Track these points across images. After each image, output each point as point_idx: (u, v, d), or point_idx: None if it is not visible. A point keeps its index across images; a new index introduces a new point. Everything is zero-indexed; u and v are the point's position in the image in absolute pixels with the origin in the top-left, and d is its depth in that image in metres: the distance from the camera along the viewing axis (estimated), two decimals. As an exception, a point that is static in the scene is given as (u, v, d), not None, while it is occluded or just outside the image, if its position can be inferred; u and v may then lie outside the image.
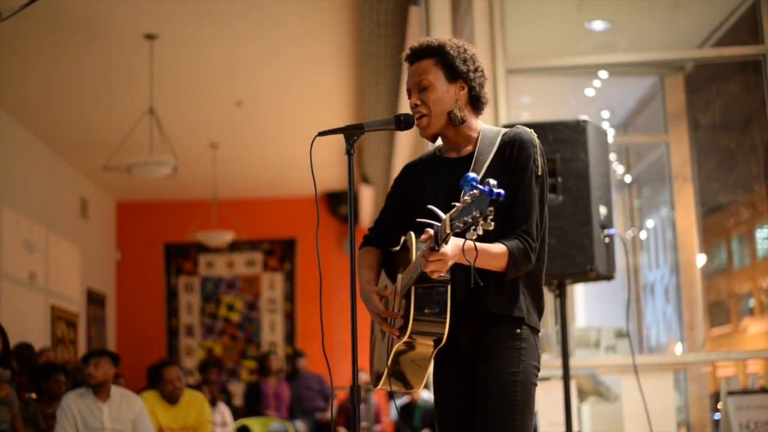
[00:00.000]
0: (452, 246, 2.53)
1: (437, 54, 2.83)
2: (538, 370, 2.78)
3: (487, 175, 2.73)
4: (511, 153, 2.74)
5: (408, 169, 2.98)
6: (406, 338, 2.70)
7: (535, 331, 2.78)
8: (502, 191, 2.30)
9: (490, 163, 2.76)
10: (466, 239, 2.40)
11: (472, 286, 2.57)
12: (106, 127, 9.78)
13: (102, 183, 12.21)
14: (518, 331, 2.73)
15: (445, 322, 2.65)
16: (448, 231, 2.39)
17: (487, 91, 2.90)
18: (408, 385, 2.84)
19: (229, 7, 7.36)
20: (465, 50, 2.84)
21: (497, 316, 2.72)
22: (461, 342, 2.76)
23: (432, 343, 2.70)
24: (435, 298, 2.67)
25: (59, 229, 10.79)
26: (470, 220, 2.32)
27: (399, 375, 2.81)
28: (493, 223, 2.30)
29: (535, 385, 2.76)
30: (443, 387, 2.83)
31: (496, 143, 2.78)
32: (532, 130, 2.80)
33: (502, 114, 5.52)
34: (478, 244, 2.58)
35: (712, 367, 7.02)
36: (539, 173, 2.74)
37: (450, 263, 2.54)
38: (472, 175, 2.36)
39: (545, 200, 2.77)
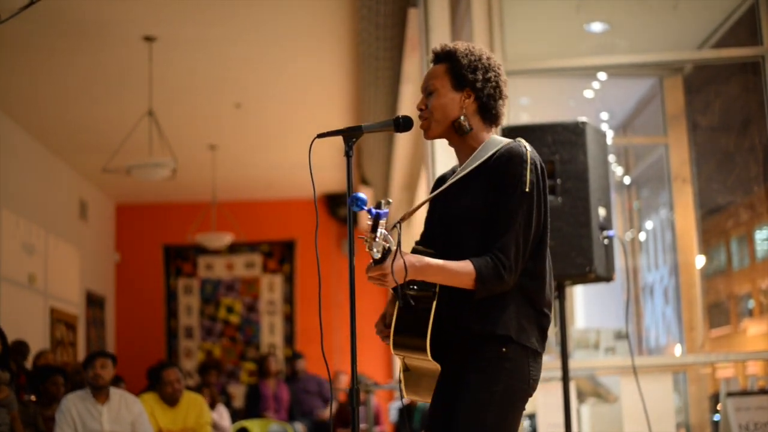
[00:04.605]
0: (398, 261, 2.53)
1: (448, 60, 2.79)
2: (527, 392, 2.67)
3: (471, 191, 2.72)
4: (497, 169, 2.67)
5: (435, 183, 2.98)
6: (393, 352, 2.72)
7: (530, 351, 2.66)
8: (381, 210, 2.41)
9: (476, 180, 2.72)
10: (431, 255, 2.56)
11: (402, 304, 2.61)
12: (105, 129, 9.79)
13: (101, 185, 12.21)
14: (503, 350, 2.62)
15: (425, 337, 2.62)
16: (366, 249, 2.47)
17: (503, 104, 2.80)
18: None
19: (227, 9, 7.37)
20: (478, 58, 2.76)
21: (480, 334, 2.64)
22: (454, 356, 2.71)
23: (428, 357, 2.65)
24: (418, 313, 2.66)
25: (58, 231, 10.79)
26: (366, 238, 2.44)
27: (423, 390, 2.81)
28: (379, 240, 2.41)
29: (519, 406, 2.67)
30: (434, 396, 2.79)
31: (485, 158, 2.71)
32: (526, 145, 2.71)
33: (501, 115, 5.52)
34: (436, 261, 2.60)
35: (712, 369, 7.02)
36: (527, 190, 2.63)
37: (393, 278, 2.52)
38: (359, 195, 2.46)
39: (533, 218, 2.65)
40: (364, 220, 2.50)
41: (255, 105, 9.59)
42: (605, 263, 4.33)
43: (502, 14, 5.78)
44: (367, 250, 2.46)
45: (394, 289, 2.63)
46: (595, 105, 7.61)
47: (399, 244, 2.52)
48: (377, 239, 2.42)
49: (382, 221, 2.43)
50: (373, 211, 2.41)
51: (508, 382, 2.62)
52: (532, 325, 2.68)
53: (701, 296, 6.88)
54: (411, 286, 2.68)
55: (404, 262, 2.53)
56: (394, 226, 2.55)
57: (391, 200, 2.47)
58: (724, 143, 7.32)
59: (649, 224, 8.29)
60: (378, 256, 2.46)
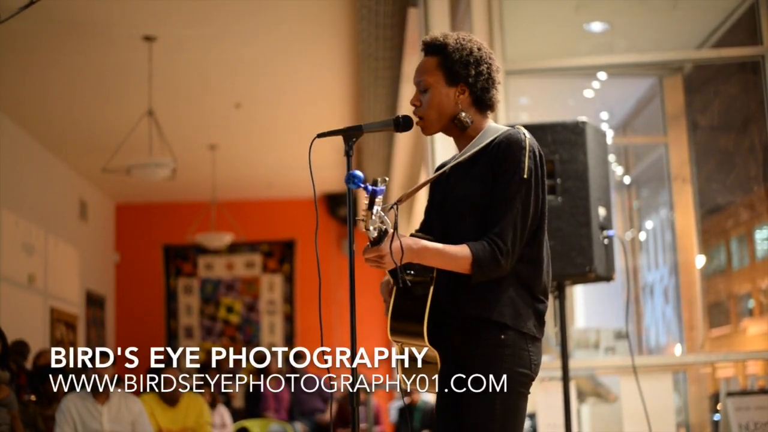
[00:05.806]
0: (395, 242, 2.52)
1: (440, 54, 2.78)
2: (530, 377, 2.68)
3: (469, 177, 2.72)
4: (496, 155, 2.67)
5: (435, 171, 2.98)
6: (390, 338, 2.72)
7: (528, 336, 2.66)
8: (378, 187, 2.39)
9: (475, 166, 2.72)
10: (424, 238, 2.55)
11: (401, 286, 2.61)
12: (105, 128, 9.79)
13: (101, 185, 12.21)
14: (502, 337, 2.63)
15: (423, 323, 2.62)
16: (363, 228, 2.45)
17: (497, 91, 2.81)
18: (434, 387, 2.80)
19: (227, 9, 7.37)
20: (470, 52, 2.76)
21: (477, 320, 2.65)
22: (455, 341, 2.71)
23: (426, 344, 2.64)
24: (415, 299, 2.66)
25: (58, 231, 10.79)
26: (362, 217, 2.41)
27: (419, 379, 2.80)
28: (375, 218, 2.39)
29: (524, 392, 2.67)
30: (440, 385, 2.79)
31: (483, 144, 2.72)
32: (525, 132, 2.72)
33: (500, 115, 5.53)
34: (433, 244, 2.59)
35: (712, 368, 7.02)
36: (525, 176, 2.64)
37: (390, 259, 2.52)
38: (356, 172, 2.45)
39: (531, 204, 2.66)
40: (362, 206, 2.47)
41: (255, 105, 9.59)
42: (605, 263, 4.33)
43: (502, 14, 5.78)
44: (363, 229, 2.45)
45: (391, 271, 2.63)
46: (595, 105, 7.61)
47: (396, 226, 2.51)
48: (373, 216, 2.41)
49: (378, 198, 2.41)
50: (369, 187, 2.40)
51: (510, 369, 2.63)
52: (529, 310, 2.68)
53: (701, 296, 6.88)
54: (408, 272, 2.66)
55: (401, 244, 2.54)
56: (391, 207, 2.55)
57: (387, 178, 2.46)
58: (723, 143, 7.32)
59: (649, 224, 8.29)
60: (375, 234, 2.44)
